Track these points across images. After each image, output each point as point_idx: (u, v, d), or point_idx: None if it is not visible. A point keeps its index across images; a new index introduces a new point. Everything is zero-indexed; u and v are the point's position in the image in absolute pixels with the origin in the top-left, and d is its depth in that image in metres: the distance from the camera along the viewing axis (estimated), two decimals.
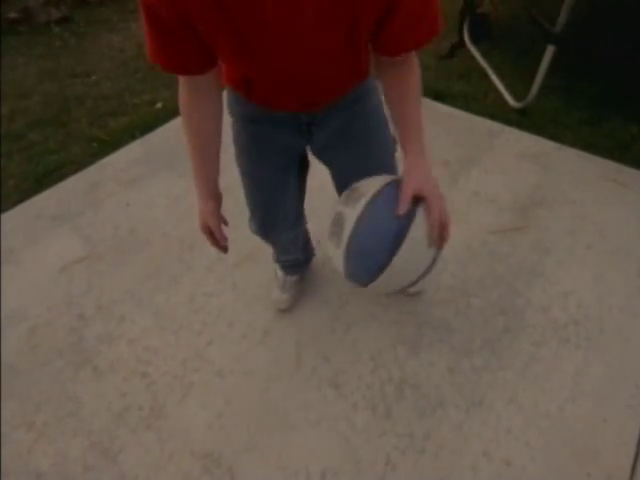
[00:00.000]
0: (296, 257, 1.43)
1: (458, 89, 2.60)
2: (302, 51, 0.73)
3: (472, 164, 2.08)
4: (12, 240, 1.72)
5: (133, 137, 2.21)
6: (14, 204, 1.86)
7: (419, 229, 0.76)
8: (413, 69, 0.82)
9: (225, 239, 0.96)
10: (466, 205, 1.89)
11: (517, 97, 2.44)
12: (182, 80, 0.81)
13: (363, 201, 0.76)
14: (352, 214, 0.76)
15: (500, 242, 1.75)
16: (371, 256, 0.77)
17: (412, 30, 0.72)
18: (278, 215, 1.14)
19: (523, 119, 2.37)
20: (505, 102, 2.47)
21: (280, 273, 1.48)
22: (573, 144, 2.20)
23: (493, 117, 2.36)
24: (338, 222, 0.78)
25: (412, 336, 1.46)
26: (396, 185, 0.80)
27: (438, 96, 2.51)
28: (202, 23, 0.67)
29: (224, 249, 0.98)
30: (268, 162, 1.02)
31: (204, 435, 1.23)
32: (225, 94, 0.96)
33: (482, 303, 1.55)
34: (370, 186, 0.79)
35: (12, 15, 3.00)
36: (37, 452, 1.19)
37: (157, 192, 1.92)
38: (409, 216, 0.75)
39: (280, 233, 1.20)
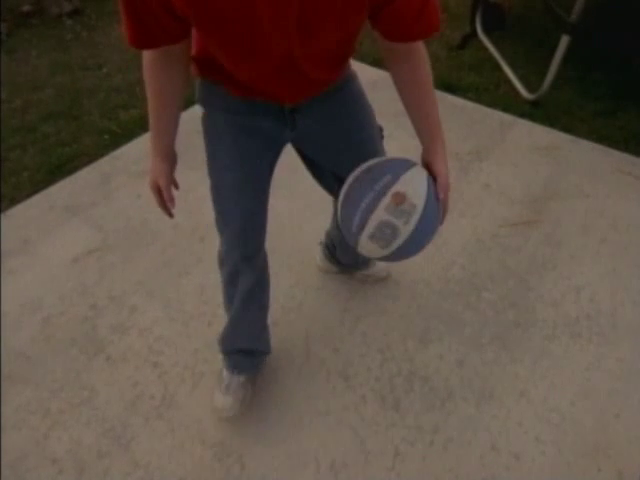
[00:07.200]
0: (250, 344, 1.24)
1: (470, 80, 2.56)
2: (288, 46, 0.74)
3: (483, 156, 2.06)
4: (26, 231, 1.74)
5: (144, 129, 2.21)
6: (28, 196, 1.89)
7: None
8: (422, 61, 0.83)
9: (172, 201, 0.95)
10: (477, 198, 1.88)
11: (530, 88, 2.40)
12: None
13: (415, 217, 0.80)
14: (406, 230, 0.80)
15: (511, 235, 1.73)
16: (412, 253, 0.87)
17: (414, 21, 0.74)
18: (255, 228, 1.05)
19: (536, 111, 2.33)
20: (518, 94, 2.43)
21: (225, 372, 1.24)
22: (587, 136, 2.16)
23: (505, 109, 2.33)
24: (389, 232, 0.80)
25: (421, 329, 1.45)
26: (430, 183, 0.84)
27: (449, 87, 2.48)
28: (190, 10, 0.67)
29: (169, 213, 0.97)
30: (249, 154, 0.96)
31: (214, 424, 1.24)
32: (197, 87, 0.95)
33: (493, 297, 1.54)
34: (415, 194, 0.81)
35: (25, 8, 3.02)
36: (52, 438, 1.22)
37: None
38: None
39: (250, 260, 1.10)
